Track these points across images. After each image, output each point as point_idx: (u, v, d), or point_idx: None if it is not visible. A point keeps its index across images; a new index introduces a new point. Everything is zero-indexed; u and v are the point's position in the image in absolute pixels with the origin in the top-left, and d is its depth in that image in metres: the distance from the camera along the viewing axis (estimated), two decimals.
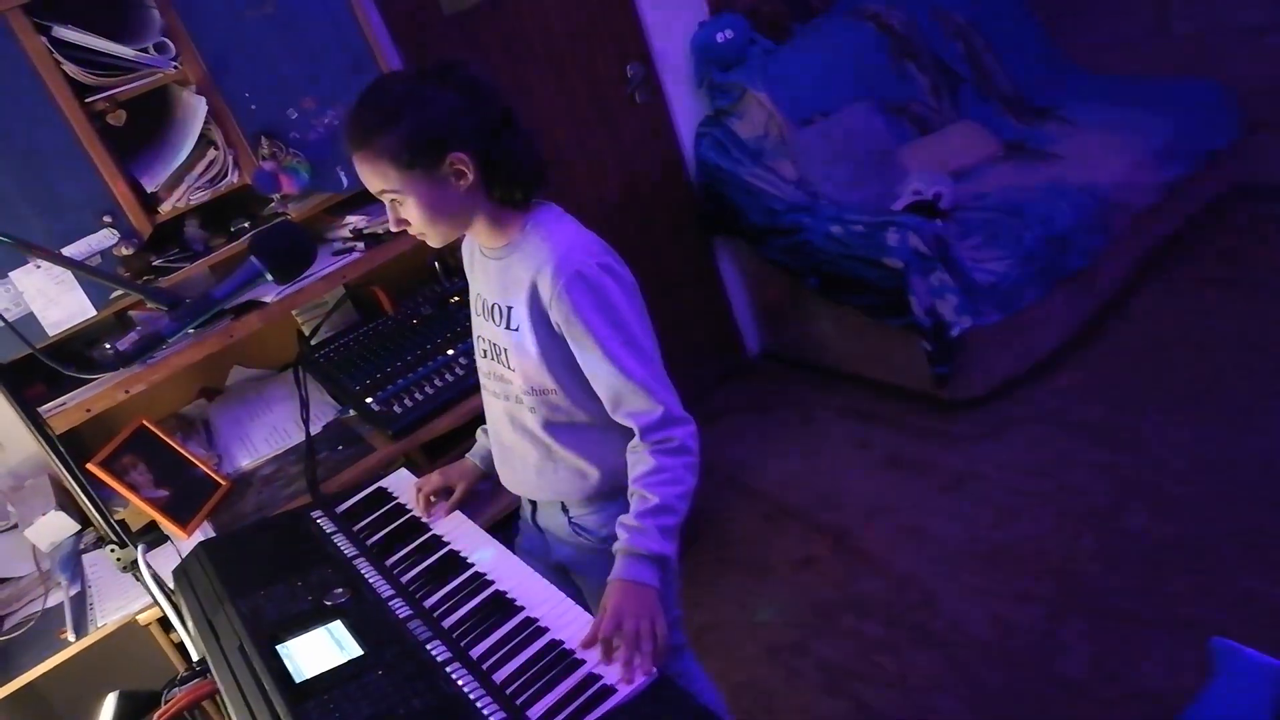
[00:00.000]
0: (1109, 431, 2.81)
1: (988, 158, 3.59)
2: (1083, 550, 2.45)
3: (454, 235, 1.49)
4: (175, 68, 2.12)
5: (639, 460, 1.45)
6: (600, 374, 1.44)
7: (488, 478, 1.77)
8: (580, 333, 1.42)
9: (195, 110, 2.14)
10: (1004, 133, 3.69)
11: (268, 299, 2.29)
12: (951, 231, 3.05)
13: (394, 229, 1.47)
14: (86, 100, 2.04)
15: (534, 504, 1.71)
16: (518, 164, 1.43)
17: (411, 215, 1.42)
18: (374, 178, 1.40)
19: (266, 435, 2.39)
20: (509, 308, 1.49)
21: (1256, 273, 3.28)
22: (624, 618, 1.30)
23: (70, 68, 1.99)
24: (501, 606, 1.42)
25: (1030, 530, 2.57)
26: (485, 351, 1.60)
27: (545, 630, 1.35)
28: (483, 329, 1.59)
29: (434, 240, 1.48)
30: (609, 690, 1.21)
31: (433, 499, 1.73)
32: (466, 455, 1.80)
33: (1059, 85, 3.96)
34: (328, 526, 1.73)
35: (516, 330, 1.48)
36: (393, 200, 1.42)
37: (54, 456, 1.46)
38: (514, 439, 1.60)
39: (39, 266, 2.03)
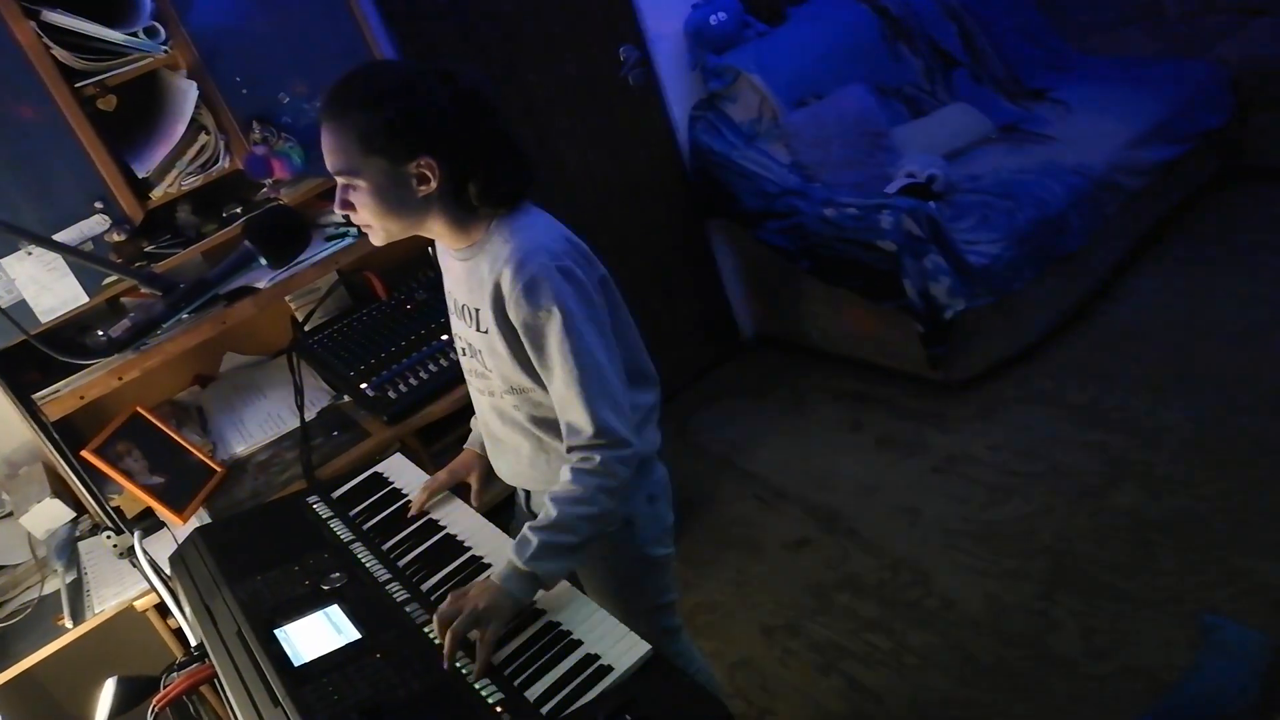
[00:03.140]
0: (1101, 411, 2.83)
1: (981, 140, 3.59)
2: (1074, 529, 2.47)
3: (398, 236, 1.44)
4: (166, 52, 2.11)
5: (562, 474, 1.43)
6: (551, 380, 1.42)
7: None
8: (535, 337, 1.39)
9: (186, 95, 2.13)
10: (998, 115, 3.69)
11: (260, 285, 2.29)
12: (945, 214, 3.05)
13: (337, 210, 1.41)
14: (76, 85, 2.02)
15: (528, 493, 1.71)
16: (494, 184, 1.39)
17: (360, 202, 1.38)
18: (335, 153, 1.35)
19: (261, 421, 2.39)
20: (477, 309, 1.47)
21: (1248, 253, 3.29)
22: (467, 608, 1.29)
23: (60, 52, 1.98)
24: None
25: (1022, 509, 2.59)
26: (464, 350, 1.58)
27: (543, 612, 1.36)
28: (459, 329, 1.57)
29: (376, 236, 1.43)
30: (606, 669, 1.22)
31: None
32: (465, 446, 1.79)
33: (1053, 67, 3.95)
34: (324, 512, 1.73)
35: (486, 332, 1.46)
36: (346, 182, 1.37)
37: (48, 444, 1.47)
38: (504, 432, 1.59)
39: (30, 253, 2.02)
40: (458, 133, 1.35)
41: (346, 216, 1.43)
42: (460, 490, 1.74)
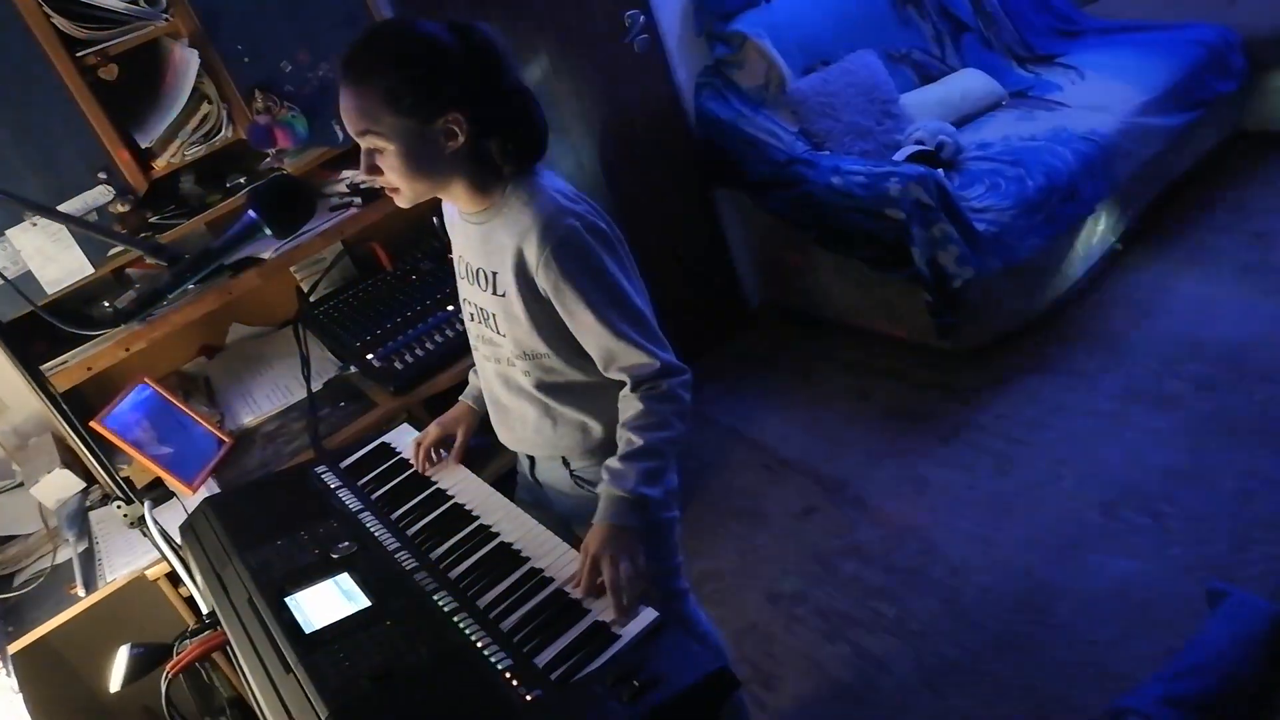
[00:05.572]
0: (1109, 380, 2.82)
1: (991, 106, 3.55)
2: (1082, 497, 2.47)
3: (425, 196, 1.44)
4: (166, 20, 2.09)
5: (628, 406, 1.46)
6: (592, 336, 1.44)
7: (486, 420, 1.76)
8: (569, 297, 1.40)
9: (188, 64, 2.11)
10: (1007, 81, 3.65)
11: (265, 255, 2.28)
12: (954, 181, 3.03)
13: (363, 176, 1.40)
14: (78, 55, 2.01)
15: (532, 459, 1.72)
16: (516, 139, 1.40)
17: (389, 165, 1.37)
18: (360, 116, 1.34)
19: (268, 392, 2.39)
20: (494, 274, 1.47)
21: (1261, 220, 3.26)
22: (603, 561, 1.32)
23: (60, 21, 1.96)
24: (507, 557, 1.43)
25: (1029, 478, 2.59)
26: (473, 315, 1.58)
27: (550, 580, 1.37)
28: (469, 293, 1.57)
29: (404, 198, 1.43)
30: (613, 636, 1.22)
31: (434, 455, 1.73)
32: (460, 398, 1.80)
33: (1063, 32, 3.89)
34: (332, 481, 1.74)
35: (504, 296, 1.47)
36: (371, 145, 1.36)
37: (57, 414, 1.47)
38: (511, 399, 1.60)
39: (35, 224, 2.02)
40: (480, 86, 1.35)
41: (360, 184, 1.42)
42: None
